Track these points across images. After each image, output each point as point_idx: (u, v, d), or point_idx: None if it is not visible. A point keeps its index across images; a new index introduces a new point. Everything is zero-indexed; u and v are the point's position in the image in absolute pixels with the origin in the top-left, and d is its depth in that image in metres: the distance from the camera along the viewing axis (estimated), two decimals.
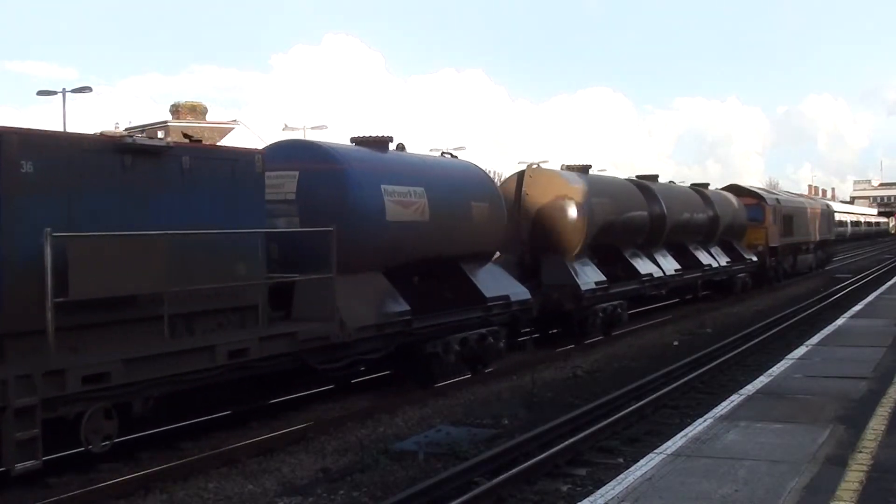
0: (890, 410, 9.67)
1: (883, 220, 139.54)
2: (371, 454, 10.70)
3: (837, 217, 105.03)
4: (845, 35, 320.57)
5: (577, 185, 20.23)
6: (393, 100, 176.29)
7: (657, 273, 23.30)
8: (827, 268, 48.08)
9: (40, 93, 43.97)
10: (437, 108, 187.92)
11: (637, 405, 12.77)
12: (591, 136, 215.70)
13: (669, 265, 24.51)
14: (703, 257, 27.94)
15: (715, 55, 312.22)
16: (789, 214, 38.26)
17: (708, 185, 32.26)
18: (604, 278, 20.21)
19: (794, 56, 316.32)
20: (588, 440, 10.94)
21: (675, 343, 20.49)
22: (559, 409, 13.07)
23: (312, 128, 45.68)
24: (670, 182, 29.57)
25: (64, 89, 43.24)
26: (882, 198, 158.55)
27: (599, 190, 21.30)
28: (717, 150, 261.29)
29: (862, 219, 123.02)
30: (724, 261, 29.71)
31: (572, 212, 19.81)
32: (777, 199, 37.51)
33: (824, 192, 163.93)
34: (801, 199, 47.21)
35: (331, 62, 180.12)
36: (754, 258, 33.10)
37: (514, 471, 9.48)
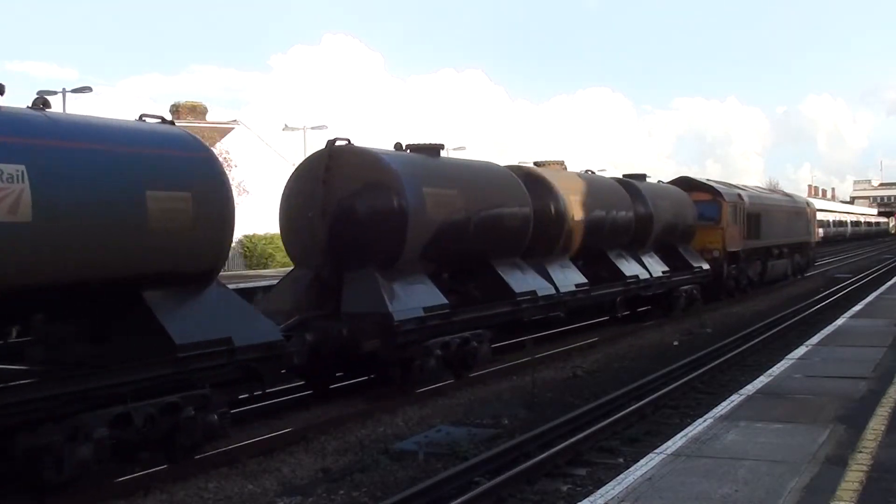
0: (890, 410, 9.66)
1: (883, 220, 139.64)
2: (371, 454, 10.70)
3: (837, 217, 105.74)
4: (845, 35, 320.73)
5: (400, 168, 14.34)
6: (392, 100, 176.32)
7: (546, 290, 17.60)
8: (808, 274, 43.08)
9: (40, 93, 43.95)
10: (436, 108, 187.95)
11: (637, 405, 12.76)
12: (590, 136, 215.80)
13: (569, 279, 19.00)
14: (628, 267, 22.07)
15: (714, 55, 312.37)
16: (756, 213, 32.26)
17: (645, 176, 26.06)
18: (443, 301, 14.49)
19: (794, 56, 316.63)
20: (588, 440, 10.93)
21: (675, 343, 20.49)
22: (559, 409, 13.07)
23: (312, 128, 45.55)
24: (587, 171, 23.11)
25: (64, 89, 43.21)
26: (882, 198, 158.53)
27: (447, 177, 15.78)
28: (717, 150, 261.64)
29: (862, 219, 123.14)
30: (659, 270, 23.59)
31: (390, 204, 14.04)
32: (739, 195, 31.34)
33: (824, 192, 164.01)
34: (775, 195, 40.65)
35: (330, 62, 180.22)
36: (705, 266, 26.92)
37: (515, 471, 9.48)
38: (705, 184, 30.51)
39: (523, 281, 17.06)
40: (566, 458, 10.28)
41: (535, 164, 19.77)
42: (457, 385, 14.86)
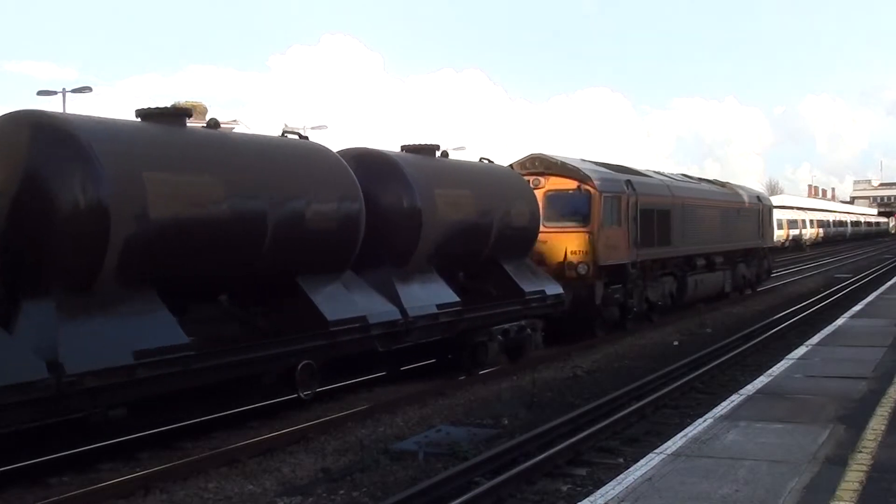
0: (890, 410, 9.67)
1: (883, 220, 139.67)
2: (371, 454, 10.70)
3: (837, 217, 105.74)
4: (844, 35, 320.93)
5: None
6: (392, 99, 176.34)
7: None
8: (762, 288, 33.79)
9: (40, 93, 43.96)
10: (435, 108, 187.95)
11: (637, 405, 12.77)
12: (590, 136, 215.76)
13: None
14: (366, 301, 13.33)
15: (713, 55, 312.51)
16: (661, 210, 22.66)
17: (436, 148, 16.29)
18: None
19: (793, 56, 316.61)
20: (588, 440, 10.94)
21: (676, 343, 20.49)
22: (559, 409, 13.07)
23: (312, 128, 45.59)
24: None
25: (64, 89, 43.26)
26: (882, 198, 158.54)
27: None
28: (716, 150, 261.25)
29: (862, 219, 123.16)
30: (439, 301, 14.70)
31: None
32: (627, 184, 21.13)
33: (824, 192, 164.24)
34: (700, 185, 28.38)
35: (329, 62, 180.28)
36: (554, 290, 17.59)
37: (514, 471, 9.48)
38: (567, 165, 20.13)
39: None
40: (566, 458, 10.29)
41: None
42: (457, 385, 14.88)
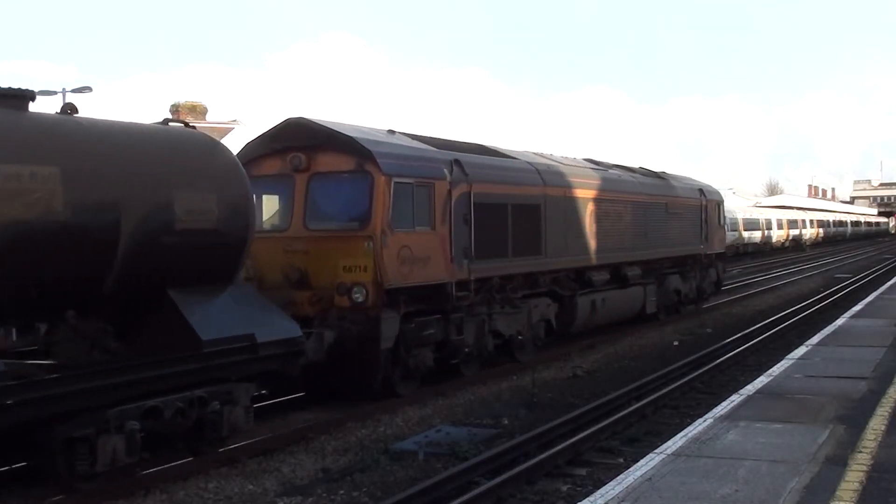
0: (890, 410, 9.67)
1: (883, 220, 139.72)
2: (371, 454, 10.71)
3: (837, 217, 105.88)
4: (845, 34, 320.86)
5: None
6: (391, 97, 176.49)
7: None
8: (708, 305, 26.77)
9: (41, 93, 43.94)
10: (435, 107, 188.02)
11: (637, 405, 12.77)
12: (589, 135, 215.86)
13: None
14: None
15: (713, 54, 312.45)
16: (520, 204, 16.01)
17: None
18: None
19: (793, 55, 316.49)
20: (588, 440, 10.94)
21: (676, 343, 20.48)
22: (559, 409, 13.08)
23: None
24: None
25: (64, 89, 43.21)
26: (882, 198, 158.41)
27: None
28: (716, 149, 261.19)
29: (862, 219, 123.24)
30: None
31: None
32: (450, 165, 14.28)
33: (824, 192, 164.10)
34: (608, 173, 20.69)
35: (329, 60, 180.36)
36: (292, 333, 11.10)
37: (514, 471, 9.48)
38: (338, 137, 13.33)
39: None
40: (566, 458, 10.29)
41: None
42: (457, 385, 14.86)
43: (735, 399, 10.50)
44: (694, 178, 27.06)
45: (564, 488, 9.41)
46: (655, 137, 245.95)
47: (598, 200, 18.87)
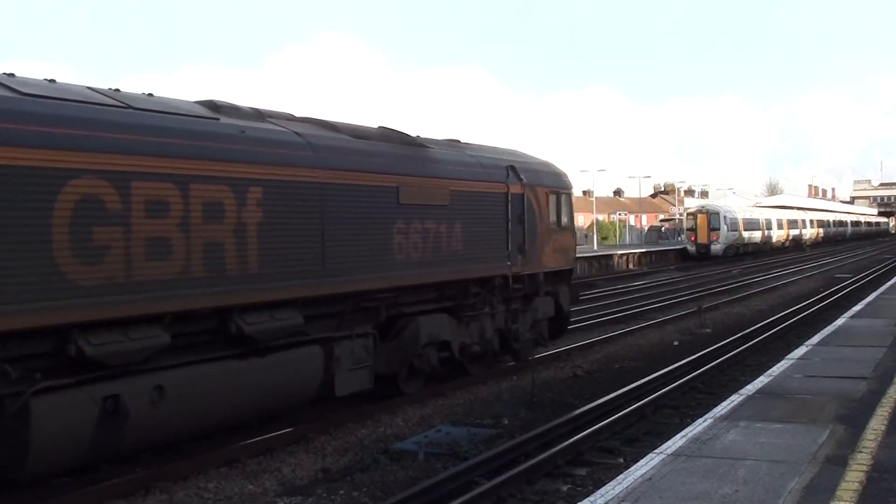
0: (890, 410, 9.67)
1: (883, 220, 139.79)
2: (371, 454, 10.71)
3: (837, 217, 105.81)
4: (844, 34, 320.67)
5: None
6: (391, 96, 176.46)
7: None
8: (538, 355, 16.82)
9: None
10: (435, 106, 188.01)
11: (637, 405, 12.77)
12: (589, 135, 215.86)
13: None
14: None
15: (712, 54, 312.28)
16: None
17: None
18: None
19: (793, 55, 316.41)
20: (588, 440, 10.94)
21: (676, 343, 20.49)
22: (559, 409, 13.08)
23: None
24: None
25: None
26: (882, 198, 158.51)
27: None
28: (716, 149, 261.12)
29: (862, 219, 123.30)
30: None
31: None
32: None
33: (824, 192, 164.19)
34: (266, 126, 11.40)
35: (327, 60, 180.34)
36: None
37: (514, 471, 9.49)
38: None
39: None
40: (566, 458, 10.29)
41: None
42: (457, 385, 14.87)
43: (735, 399, 10.50)
44: (517, 149, 17.24)
45: (564, 488, 9.41)
46: (655, 137, 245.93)
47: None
